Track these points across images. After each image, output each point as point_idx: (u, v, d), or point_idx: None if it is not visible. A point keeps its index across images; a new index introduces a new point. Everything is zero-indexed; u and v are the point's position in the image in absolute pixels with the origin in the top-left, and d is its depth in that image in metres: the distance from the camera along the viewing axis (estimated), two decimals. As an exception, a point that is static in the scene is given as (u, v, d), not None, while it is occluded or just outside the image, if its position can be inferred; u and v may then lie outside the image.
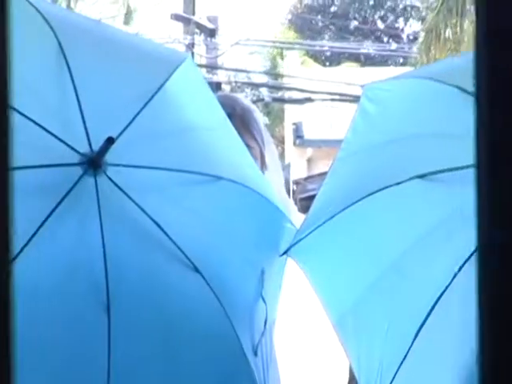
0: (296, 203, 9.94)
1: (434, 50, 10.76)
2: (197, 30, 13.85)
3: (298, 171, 12.97)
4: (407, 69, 14.47)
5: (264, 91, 15.13)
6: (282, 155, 18.88)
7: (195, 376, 1.69)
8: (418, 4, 21.55)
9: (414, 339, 1.57)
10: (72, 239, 1.59)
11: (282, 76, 16.44)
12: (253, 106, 2.23)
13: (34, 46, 1.61)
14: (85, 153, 1.57)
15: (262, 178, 1.84)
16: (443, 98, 1.57)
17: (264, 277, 1.69)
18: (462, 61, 1.72)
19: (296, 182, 10.19)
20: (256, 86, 16.00)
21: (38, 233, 1.55)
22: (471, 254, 1.53)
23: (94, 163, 1.57)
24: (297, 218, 1.79)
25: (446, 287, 1.55)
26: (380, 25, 22.62)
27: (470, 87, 1.53)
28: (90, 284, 1.60)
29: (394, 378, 1.58)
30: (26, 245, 1.54)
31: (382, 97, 1.66)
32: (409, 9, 22.38)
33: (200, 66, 12.44)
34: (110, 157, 1.58)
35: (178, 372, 1.67)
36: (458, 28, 10.51)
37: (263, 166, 2.04)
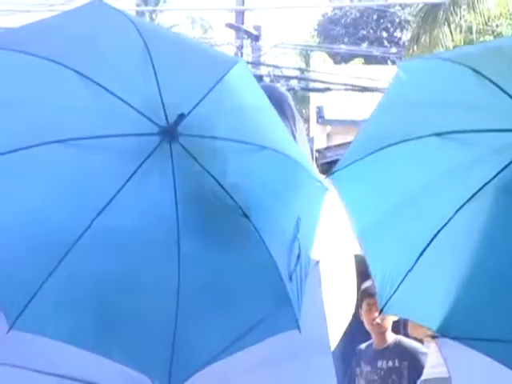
0: (318, 167, 9.88)
1: (412, 53, 10.96)
2: (245, 36, 13.84)
3: (320, 143, 12.90)
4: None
5: (294, 82, 14.99)
6: (307, 130, 18.87)
7: (243, 297, 1.66)
8: (409, 18, 21.35)
9: (420, 256, 1.58)
10: (151, 193, 1.57)
11: (308, 71, 16.32)
12: (287, 93, 2.18)
13: (126, 44, 1.63)
14: (162, 125, 1.55)
15: (296, 148, 1.79)
16: (459, 75, 1.59)
17: (300, 222, 1.65)
18: (473, 49, 1.78)
19: (318, 151, 10.11)
20: (288, 78, 15.88)
21: (123, 189, 1.54)
22: (470, 198, 1.56)
23: (169, 133, 1.55)
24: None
25: (449, 219, 1.57)
26: (383, 33, 22.40)
27: (479, 67, 1.53)
28: (163, 226, 1.58)
29: (401, 282, 1.59)
30: (111, 200, 1.53)
31: (413, 68, 1.66)
32: (403, 22, 22.18)
33: (247, 63, 12.38)
34: (182, 129, 1.56)
35: (230, 294, 1.64)
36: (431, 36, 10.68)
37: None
